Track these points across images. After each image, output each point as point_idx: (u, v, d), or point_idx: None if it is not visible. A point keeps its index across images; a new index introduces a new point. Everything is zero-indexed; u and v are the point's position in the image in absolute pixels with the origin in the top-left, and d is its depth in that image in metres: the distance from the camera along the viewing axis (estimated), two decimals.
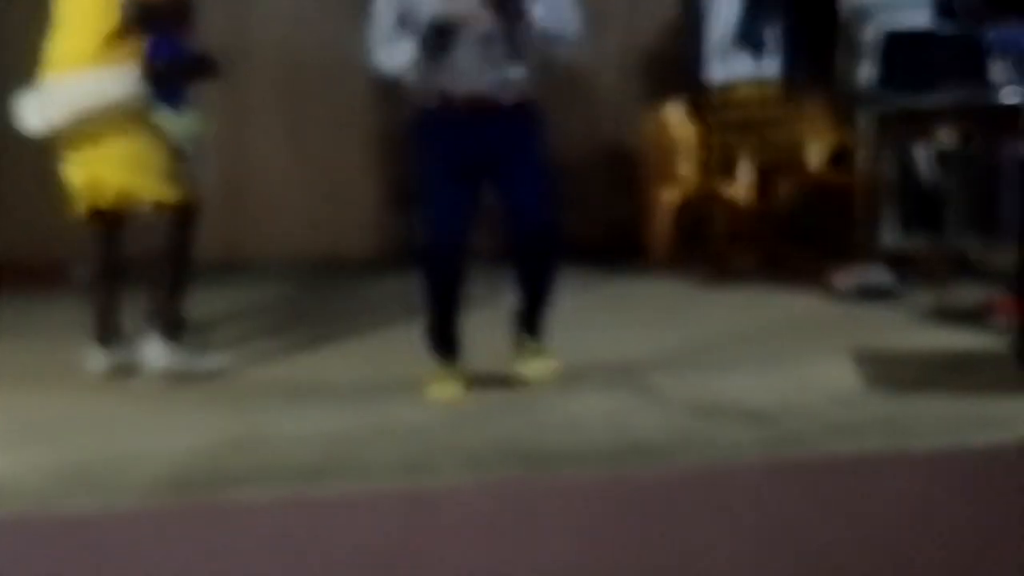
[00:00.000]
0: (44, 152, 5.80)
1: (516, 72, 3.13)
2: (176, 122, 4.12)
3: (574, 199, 6.19)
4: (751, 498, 2.53)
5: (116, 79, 3.51)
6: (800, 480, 2.57)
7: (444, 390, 3.19)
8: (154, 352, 3.57)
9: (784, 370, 3.32)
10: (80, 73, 3.49)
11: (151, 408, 3.30)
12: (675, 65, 5.99)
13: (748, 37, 4.80)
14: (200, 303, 3.94)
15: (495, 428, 2.90)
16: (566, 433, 2.83)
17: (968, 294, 4.01)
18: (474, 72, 3.08)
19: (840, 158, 4.99)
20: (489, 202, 3.25)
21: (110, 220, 3.67)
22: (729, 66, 4.88)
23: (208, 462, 2.74)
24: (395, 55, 3.11)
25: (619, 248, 5.77)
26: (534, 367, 3.29)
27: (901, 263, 4.50)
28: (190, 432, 2.97)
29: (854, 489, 2.55)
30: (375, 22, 3.16)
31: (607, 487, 2.53)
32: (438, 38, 3.02)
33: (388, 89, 5.98)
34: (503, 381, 3.27)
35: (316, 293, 5.24)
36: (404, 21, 3.09)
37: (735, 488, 2.54)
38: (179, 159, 3.78)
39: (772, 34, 4.81)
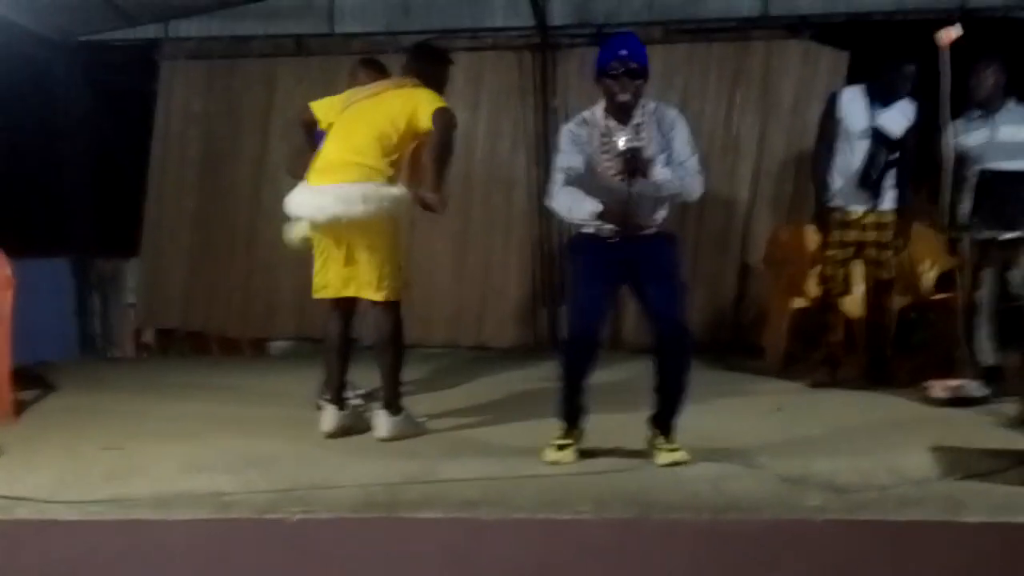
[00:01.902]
0: (258, 247, 6.94)
1: (658, 215, 3.82)
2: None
3: (706, 306, 6.89)
4: (823, 549, 3.09)
5: (389, 194, 4.16)
6: (865, 539, 3.11)
7: (558, 455, 3.77)
8: (380, 421, 4.30)
9: (872, 457, 3.80)
10: (359, 184, 4.11)
11: (347, 451, 4.10)
12: (798, 190, 6.64)
13: (869, 183, 5.34)
14: (376, 376, 4.75)
15: (617, 481, 3.54)
16: (674, 488, 3.45)
17: None
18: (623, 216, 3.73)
19: (946, 280, 5.47)
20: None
21: (346, 304, 4.40)
22: (849, 199, 5.41)
23: (389, 491, 3.48)
24: (575, 210, 3.75)
25: (743, 349, 6.37)
26: (664, 458, 3.76)
27: (995, 376, 4.91)
28: (376, 469, 3.74)
29: (912, 550, 3.08)
30: (556, 171, 3.82)
31: (704, 530, 3.13)
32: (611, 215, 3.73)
33: (542, 204, 6.90)
34: (628, 452, 3.87)
35: (472, 372, 6.00)
36: (579, 175, 3.74)
37: (809, 540, 3.10)
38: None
39: (890, 178, 5.36)
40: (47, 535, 3.18)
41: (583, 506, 3.25)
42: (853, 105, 5.31)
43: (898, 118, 5.29)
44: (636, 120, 3.78)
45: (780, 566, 3.08)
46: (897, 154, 5.29)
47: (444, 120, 4.19)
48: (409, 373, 5.12)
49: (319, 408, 4.83)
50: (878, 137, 5.26)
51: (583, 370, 3.81)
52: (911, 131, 5.30)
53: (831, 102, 5.43)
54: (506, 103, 7.13)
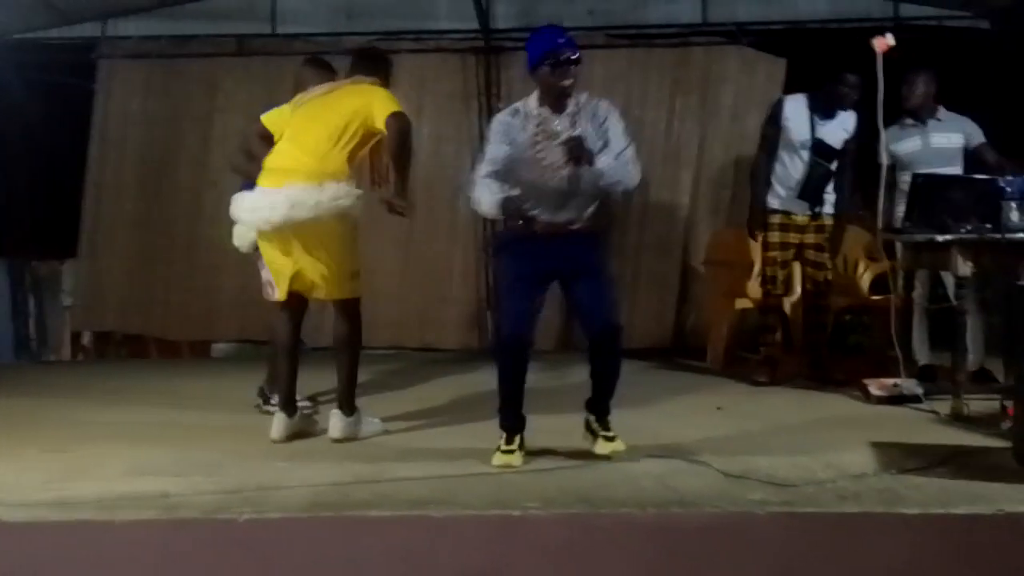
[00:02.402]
0: (199, 250, 6.87)
1: (588, 209, 3.83)
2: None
3: (649, 308, 6.99)
4: (765, 542, 3.16)
5: (341, 193, 4.09)
6: (806, 531, 3.19)
7: (507, 459, 3.78)
8: (333, 421, 4.26)
9: (811, 453, 3.90)
10: (312, 184, 4.05)
11: (293, 454, 4.07)
12: (737, 195, 6.77)
13: (808, 194, 5.48)
14: (325, 379, 4.73)
15: (565, 478, 3.59)
16: (621, 484, 3.50)
17: (985, 405, 4.54)
18: (554, 208, 3.77)
19: (881, 283, 5.63)
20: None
21: (298, 306, 4.34)
22: (791, 204, 5.54)
23: (338, 491, 3.47)
24: (484, 199, 3.75)
25: (685, 351, 6.48)
26: (603, 447, 3.85)
27: (929, 375, 5.06)
28: (324, 471, 3.73)
29: (851, 542, 3.16)
30: (481, 163, 3.83)
31: (650, 524, 3.18)
32: (514, 212, 3.74)
33: None
34: (576, 452, 3.91)
35: (417, 375, 6.01)
36: (508, 167, 3.77)
37: (751, 532, 3.17)
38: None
39: (830, 188, 5.49)
40: None
41: (532, 503, 3.28)
42: (796, 115, 5.44)
43: (838, 130, 5.44)
44: (571, 109, 3.82)
45: (724, 558, 3.14)
46: (836, 164, 5.44)
47: (399, 125, 4.14)
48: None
49: (260, 411, 4.81)
50: (818, 149, 5.40)
51: (519, 373, 3.82)
52: (850, 142, 5.44)
53: (775, 109, 5.56)
54: (450, 106, 7.17)
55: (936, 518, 3.18)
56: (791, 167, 5.46)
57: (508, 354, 3.84)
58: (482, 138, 6.92)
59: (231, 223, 4.59)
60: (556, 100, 3.81)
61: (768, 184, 5.56)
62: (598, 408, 3.91)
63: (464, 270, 7.15)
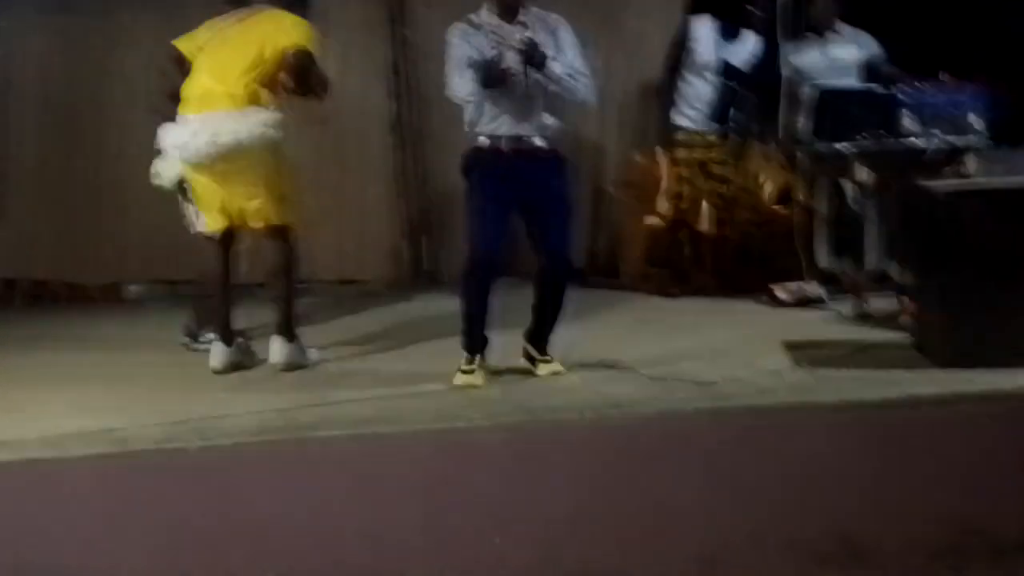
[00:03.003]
0: (104, 190, 6.71)
1: (549, 120, 3.93)
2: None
3: None
4: (695, 435, 3.38)
5: (266, 118, 4.13)
6: (731, 424, 3.42)
7: (468, 378, 3.90)
8: (275, 347, 4.30)
9: (728, 356, 4.17)
10: (235, 110, 4.08)
11: (232, 385, 4.14)
12: (643, 116, 6.91)
13: (718, 115, 5.68)
14: (251, 314, 4.74)
15: (504, 392, 3.77)
16: (558, 394, 3.70)
17: (885, 303, 4.85)
18: (517, 117, 3.86)
19: (785, 195, 5.89)
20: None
21: (230, 237, 4.37)
22: (698, 122, 5.74)
23: (284, 416, 3.57)
24: (462, 85, 3.86)
25: (598, 270, 6.67)
26: (543, 369, 4.02)
27: (832, 279, 5.36)
28: (266, 398, 3.82)
29: (773, 432, 3.40)
30: (448, 63, 3.90)
31: (588, 427, 3.39)
32: (488, 72, 3.81)
33: (399, 137, 6.94)
34: (513, 368, 4.05)
35: (345, 307, 6.06)
36: (470, 64, 3.85)
37: (683, 429, 3.39)
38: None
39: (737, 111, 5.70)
40: None
41: (475, 415, 3.44)
42: (702, 35, 5.61)
43: (742, 51, 5.63)
44: (522, 18, 3.92)
45: (659, 453, 3.34)
46: (742, 83, 5.64)
47: (298, 63, 4.17)
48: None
49: (189, 348, 4.83)
50: (724, 70, 5.58)
51: (486, 293, 3.89)
52: (754, 62, 5.64)
53: (682, 29, 5.71)
54: (356, 38, 7.08)
55: (850, 404, 3.47)
56: (699, 87, 5.64)
57: (478, 274, 3.90)
58: (392, 68, 7.01)
59: (137, 161, 4.54)
60: (507, 11, 3.90)
61: (674, 103, 5.74)
62: (537, 338, 4.04)
63: (378, 202, 7.14)
